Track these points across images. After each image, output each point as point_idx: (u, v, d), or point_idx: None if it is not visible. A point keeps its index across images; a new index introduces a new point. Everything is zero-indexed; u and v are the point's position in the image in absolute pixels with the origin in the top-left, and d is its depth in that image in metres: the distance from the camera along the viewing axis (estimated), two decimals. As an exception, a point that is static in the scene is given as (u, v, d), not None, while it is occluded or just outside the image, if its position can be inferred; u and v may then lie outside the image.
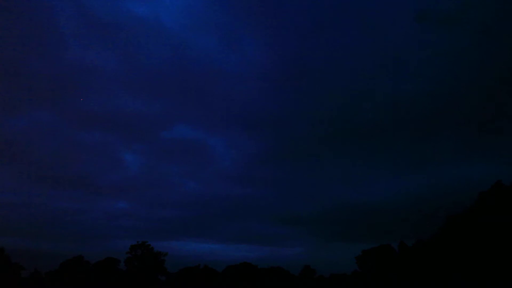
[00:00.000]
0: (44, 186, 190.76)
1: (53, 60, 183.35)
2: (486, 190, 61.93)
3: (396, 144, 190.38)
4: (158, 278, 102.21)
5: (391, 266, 77.63)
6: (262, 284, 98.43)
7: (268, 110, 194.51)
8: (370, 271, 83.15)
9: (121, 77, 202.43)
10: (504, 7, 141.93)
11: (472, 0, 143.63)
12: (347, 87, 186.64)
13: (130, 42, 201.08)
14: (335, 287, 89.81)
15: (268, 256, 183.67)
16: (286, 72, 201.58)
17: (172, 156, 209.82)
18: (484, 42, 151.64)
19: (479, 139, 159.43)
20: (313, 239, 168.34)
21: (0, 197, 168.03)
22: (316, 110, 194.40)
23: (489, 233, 55.22)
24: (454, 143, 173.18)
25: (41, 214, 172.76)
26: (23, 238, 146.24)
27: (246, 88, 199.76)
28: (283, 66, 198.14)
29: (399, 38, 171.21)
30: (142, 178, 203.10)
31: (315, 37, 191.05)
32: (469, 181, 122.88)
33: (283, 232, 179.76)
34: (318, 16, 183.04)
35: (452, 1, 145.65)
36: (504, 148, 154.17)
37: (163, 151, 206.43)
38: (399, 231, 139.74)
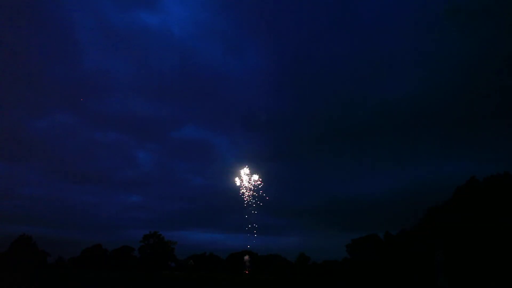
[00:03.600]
0: (66, 181, 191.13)
1: (73, 67, 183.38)
2: (462, 185, 62.92)
3: (383, 143, 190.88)
4: (168, 264, 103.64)
5: (378, 253, 78.40)
6: (262, 269, 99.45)
7: (268, 112, 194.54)
8: (358, 258, 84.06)
9: (135, 82, 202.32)
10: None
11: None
12: (341, 91, 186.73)
13: (142, 50, 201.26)
14: (327, 272, 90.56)
15: (267, 245, 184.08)
16: (285, 77, 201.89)
17: (181, 154, 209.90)
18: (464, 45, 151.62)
19: (456, 139, 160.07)
20: (308, 229, 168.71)
21: (27, 190, 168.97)
22: (312, 112, 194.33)
23: (465, 222, 56.12)
24: (435, 142, 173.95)
25: (64, 206, 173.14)
26: (48, 228, 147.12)
27: (248, 92, 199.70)
28: (282, 72, 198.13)
29: (390, 45, 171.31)
30: (154, 174, 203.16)
31: (312, 44, 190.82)
32: (448, 177, 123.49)
33: (281, 222, 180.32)
34: (315, 25, 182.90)
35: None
36: (477, 147, 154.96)
37: (172, 150, 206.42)
38: (385, 221, 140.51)
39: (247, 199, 56.64)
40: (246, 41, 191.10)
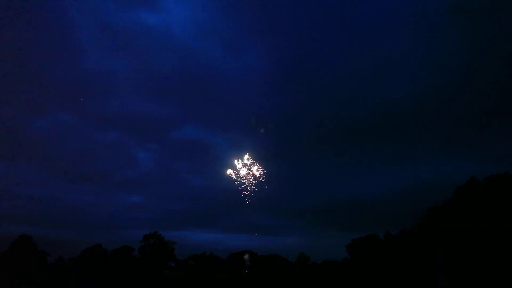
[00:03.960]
0: (66, 181, 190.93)
1: (73, 67, 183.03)
2: (462, 185, 62.58)
3: (383, 143, 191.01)
4: (168, 264, 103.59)
5: (378, 253, 78.32)
6: (262, 269, 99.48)
7: (267, 112, 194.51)
8: (358, 258, 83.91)
9: (135, 82, 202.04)
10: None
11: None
12: (341, 90, 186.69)
13: (143, 50, 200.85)
14: (327, 272, 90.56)
15: (267, 245, 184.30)
16: (284, 77, 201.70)
17: (181, 154, 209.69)
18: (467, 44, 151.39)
19: (456, 139, 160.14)
20: (308, 229, 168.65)
21: (27, 191, 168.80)
22: (312, 112, 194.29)
23: (465, 222, 56.05)
24: (436, 142, 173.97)
25: (64, 206, 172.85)
26: (48, 228, 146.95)
27: (247, 91, 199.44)
28: (282, 72, 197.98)
29: (390, 45, 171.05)
30: (154, 174, 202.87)
31: (312, 44, 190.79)
32: (448, 177, 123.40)
33: (281, 222, 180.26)
34: (315, 25, 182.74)
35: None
36: (477, 148, 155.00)
37: (172, 150, 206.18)
38: (385, 221, 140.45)
39: (245, 192, 48.49)
40: (246, 41, 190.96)
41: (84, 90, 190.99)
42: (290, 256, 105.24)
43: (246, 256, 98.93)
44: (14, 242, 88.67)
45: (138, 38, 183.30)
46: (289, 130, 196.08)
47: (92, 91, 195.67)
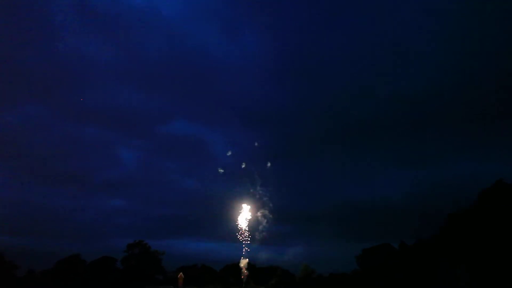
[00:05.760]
0: (38, 183, 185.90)
1: (46, 52, 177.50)
2: (487, 188, 61.74)
3: (398, 141, 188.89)
4: (155, 277, 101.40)
5: (391, 265, 77.29)
6: (261, 282, 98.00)
7: (269, 105, 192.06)
8: (370, 270, 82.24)
9: (118, 70, 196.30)
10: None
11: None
12: (349, 83, 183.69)
13: (126, 33, 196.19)
14: (334, 287, 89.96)
15: (267, 255, 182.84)
16: (288, 66, 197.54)
17: (170, 152, 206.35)
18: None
19: (480, 138, 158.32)
20: (313, 238, 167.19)
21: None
22: (319, 106, 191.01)
23: (490, 231, 55.13)
24: (456, 140, 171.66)
25: (36, 211, 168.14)
26: (17, 236, 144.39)
27: (246, 81, 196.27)
28: (285, 60, 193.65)
29: (402, 34, 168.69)
30: (139, 175, 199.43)
31: (317, 30, 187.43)
32: (471, 179, 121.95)
33: (282, 230, 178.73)
34: (320, 9, 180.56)
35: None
36: (504, 146, 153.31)
37: (160, 147, 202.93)
38: (399, 229, 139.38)
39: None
40: (244, 23, 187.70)
41: (59, 78, 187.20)
42: (293, 268, 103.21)
43: (242, 264, 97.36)
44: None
45: (121, 19, 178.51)
46: (293, 126, 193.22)
47: (67, 80, 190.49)
